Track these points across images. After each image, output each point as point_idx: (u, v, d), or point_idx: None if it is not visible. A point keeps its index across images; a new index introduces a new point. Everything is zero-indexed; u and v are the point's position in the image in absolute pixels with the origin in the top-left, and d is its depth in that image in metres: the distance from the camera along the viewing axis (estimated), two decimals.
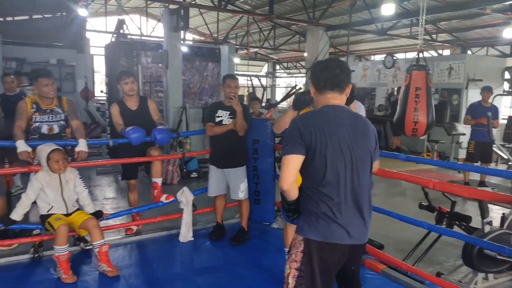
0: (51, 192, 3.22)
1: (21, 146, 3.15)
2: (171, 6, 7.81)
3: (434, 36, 12.41)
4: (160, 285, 3.13)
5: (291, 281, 1.87)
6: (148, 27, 15.24)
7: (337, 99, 1.94)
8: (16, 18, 11.11)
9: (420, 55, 4.55)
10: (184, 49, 9.72)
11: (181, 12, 7.27)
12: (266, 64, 21.24)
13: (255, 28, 14.99)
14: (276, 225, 4.38)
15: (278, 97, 18.40)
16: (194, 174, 6.80)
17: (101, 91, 10.53)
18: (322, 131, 1.81)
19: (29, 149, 3.17)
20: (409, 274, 3.14)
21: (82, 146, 3.38)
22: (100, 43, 14.28)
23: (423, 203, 3.70)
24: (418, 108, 4.15)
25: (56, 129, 3.51)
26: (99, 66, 14.66)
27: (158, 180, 3.99)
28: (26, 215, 3.33)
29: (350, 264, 1.95)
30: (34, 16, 11.37)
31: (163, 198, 3.95)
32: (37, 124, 3.43)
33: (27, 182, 3.31)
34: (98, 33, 14.47)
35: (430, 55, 12.49)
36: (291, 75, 22.06)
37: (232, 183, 3.88)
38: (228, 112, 3.79)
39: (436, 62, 9.71)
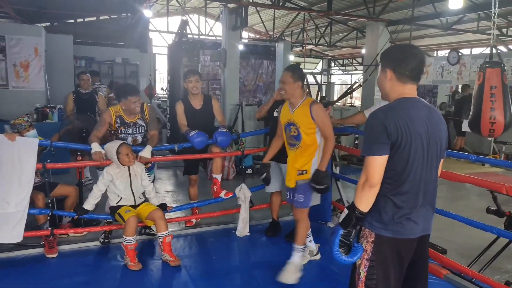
0: (121, 184, 3.43)
1: (95, 147, 3.39)
2: (230, 5, 7.96)
3: (504, 30, 11.58)
4: (219, 277, 3.23)
5: (363, 272, 1.84)
6: (206, 27, 15.64)
7: (414, 90, 1.86)
8: (86, 19, 11.91)
9: (494, 50, 4.26)
10: (240, 47, 9.87)
11: (240, 10, 7.38)
12: (321, 61, 20.98)
13: (311, 25, 14.85)
14: (332, 224, 4.35)
15: (335, 95, 18.13)
16: (249, 171, 6.92)
17: (162, 89, 10.98)
18: (406, 127, 1.72)
19: (102, 150, 3.40)
20: (474, 281, 2.98)
21: (145, 152, 3.52)
22: (161, 43, 14.91)
23: (491, 208, 3.49)
24: (495, 108, 3.90)
25: (139, 140, 3.72)
26: (159, 65, 15.30)
27: (218, 176, 4.10)
28: (96, 205, 3.59)
29: (418, 254, 1.90)
30: (102, 17, 12.12)
31: (222, 194, 4.07)
32: (122, 135, 3.63)
33: (95, 174, 3.54)
34: (160, 33, 15.09)
35: (500, 51, 11.66)
36: (346, 72, 21.61)
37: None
38: None
39: (506, 59, 9.06)
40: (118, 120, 3.60)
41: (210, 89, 12.38)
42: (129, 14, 11.64)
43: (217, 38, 13.11)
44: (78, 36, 10.41)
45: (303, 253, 3.26)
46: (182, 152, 4.01)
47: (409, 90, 1.84)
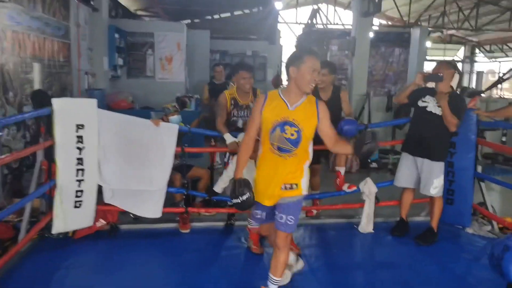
0: (247, 173, 3.53)
1: (229, 138, 3.51)
2: None
3: None
4: (340, 272, 3.12)
5: None
6: (335, 16, 15.30)
7: None
8: (222, 15, 12.72)
9: None
10: (371, 34, 9.36)
11: None
12: (462, 48, 18.74)
13: (453, 8, 13.33)
14: (471, 230, 3.84)
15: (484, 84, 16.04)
16: (373, 165, 6.58)
17: (287, 80, 11.12)
18: None
19: (237, 140, 3.50)
20: None
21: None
22: (288, 34, 15.11)
23: None
24: None
25: None
26: (286, 56, 15.52)
27: (342, 169, 3.97)
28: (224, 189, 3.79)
29: None
30: (235, 13, 12.81)
31: (345, 187, 3.93)
32: (234, 118, 3.72)
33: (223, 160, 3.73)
34: (287, 25, 15.29)
35: None
36: (494, 59, 18.91)
37: (425, 176, 3.54)
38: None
39: None
40: (232, 102, 3.67)
41: (336, 79, 12.10)
42: (260, 8, 12.04)
43: (346, 27, 12.72)
44: (214, 31, 11.15)
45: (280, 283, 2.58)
46: None
47: None
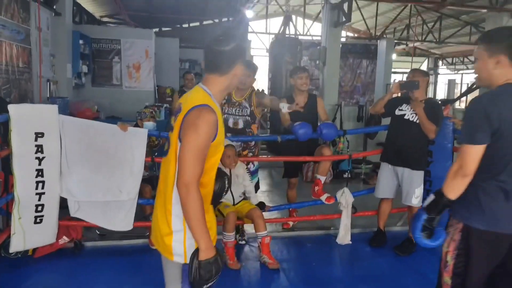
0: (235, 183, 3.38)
1: None
2: (333, 1, 7.65)
3: None
4: (322, 285, 3.01)
5: (450, 260, 1.83)
6: (304, 27, 15.48)
7: None
8: (191, 24, 12.57)
9: None
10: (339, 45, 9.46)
11: (343, 6, 7.05)
12: (426, 60, 19.43)
13: (418, 21, 13.79)
14: None
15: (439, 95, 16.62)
16: (346, 175, 6.57)
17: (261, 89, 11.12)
18: (510, 115, 1.65)
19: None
20: None
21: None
22: (258, 45, 15.13)
23: None
24: None
25: (240, 124, 3.55)
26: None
27: (322, 178, 3.86)
28: None
29: None
30: (205, 22, 12.69)
31: (323, 198, 3.81)
32: (224, 116, 3.51)
33: None
34: (257, 35, 15.33)
35: None
36: (456, 71, 19.72)
37: (406, 186, 3.50)
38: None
39: None
40: (225, 97, 3.46)
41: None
42: (230, 18, 11.99)
43: (314, 38, 12.87)
44: (183, 40, 10.98)
45: None
46: (280, 147, 3.83)
47: None
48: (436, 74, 18.62)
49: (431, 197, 1.84)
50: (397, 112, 3.52)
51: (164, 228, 1.63)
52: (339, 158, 5.69)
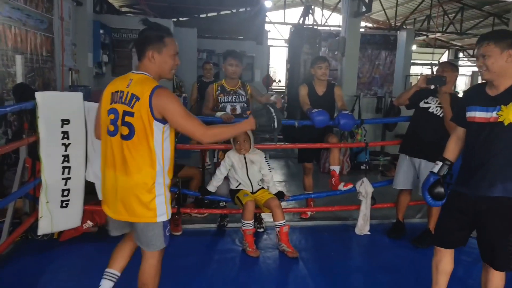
0: (239, 170, 3.44)
1: (219, 113, 3.50)
2: None
3: None
4: (339, 275, 3.03)
5: None
6: (322, 18, 15.32)
7: None
8: (209, 14, 12.56)
9: None
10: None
11: None
12: (446, 52, 19.04)
13: (438, 11, 13.51)
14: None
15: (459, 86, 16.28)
16: (363, 166, 6.53)
17: (274, 81, 11.07)
18: None
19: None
20: None
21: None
22: (276, 35, 15.06)
23: None
24: None
25: (238, 110, 3.69)
26: (272, 58, 15.45)
27: (336, 168, 3.89)
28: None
29: (481, 222, 2.13)
30: (222, 12, 12.67)
31: (341, 186, 3.84)
32: (222, 104, 3.68)
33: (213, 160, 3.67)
34: (274, 25, 15.24)
35: None
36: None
37: (423, 178, 3.46)
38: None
39: None
40: (219, 88, 3.69)
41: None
42: (248, 8, 11.94)
43: (332, 29, 12.74)
44: (201, 31, 11.00)
45: None
46: (294, 132, 3.85)
47: None
48: (458, 66, 18.26)
49: (439, 163, 2.38)
50: (422, 105, 3.48)
51: (146, 197, 1.92)
52: (355, 145, 5.68)
